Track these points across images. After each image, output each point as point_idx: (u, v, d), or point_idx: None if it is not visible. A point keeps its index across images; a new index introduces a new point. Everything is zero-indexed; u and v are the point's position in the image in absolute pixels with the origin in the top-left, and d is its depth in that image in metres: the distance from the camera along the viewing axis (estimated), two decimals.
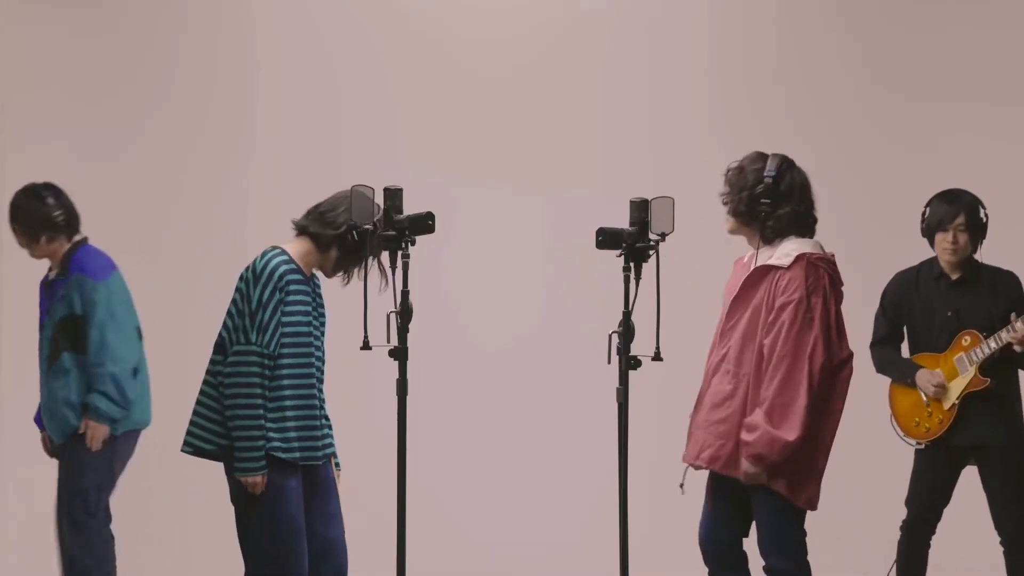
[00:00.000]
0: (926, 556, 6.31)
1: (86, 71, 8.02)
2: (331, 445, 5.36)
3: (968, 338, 6.23)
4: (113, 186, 8.00)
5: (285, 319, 5.18)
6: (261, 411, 5.14)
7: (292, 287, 5.19)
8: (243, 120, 8.02)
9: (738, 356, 5.36)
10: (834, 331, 5.29)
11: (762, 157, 5.40)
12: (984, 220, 6.28)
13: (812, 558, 5.38)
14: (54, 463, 7.14)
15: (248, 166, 7.91)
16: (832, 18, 8.07)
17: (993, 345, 6.15)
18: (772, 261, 5.34)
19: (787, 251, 5.34)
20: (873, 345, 6.43)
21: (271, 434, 5.16)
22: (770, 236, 5.38)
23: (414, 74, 8.03)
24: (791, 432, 5.20)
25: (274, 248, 5.27)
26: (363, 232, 5.16)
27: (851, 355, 5.33)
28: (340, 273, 5.30)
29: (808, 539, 5.40)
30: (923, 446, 6.28)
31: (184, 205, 7.99)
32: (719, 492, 5.44)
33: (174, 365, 7.77)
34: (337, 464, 5.41)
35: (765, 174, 5.35)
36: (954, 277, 6.31)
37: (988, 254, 6.33)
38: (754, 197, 5.34)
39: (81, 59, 8.02)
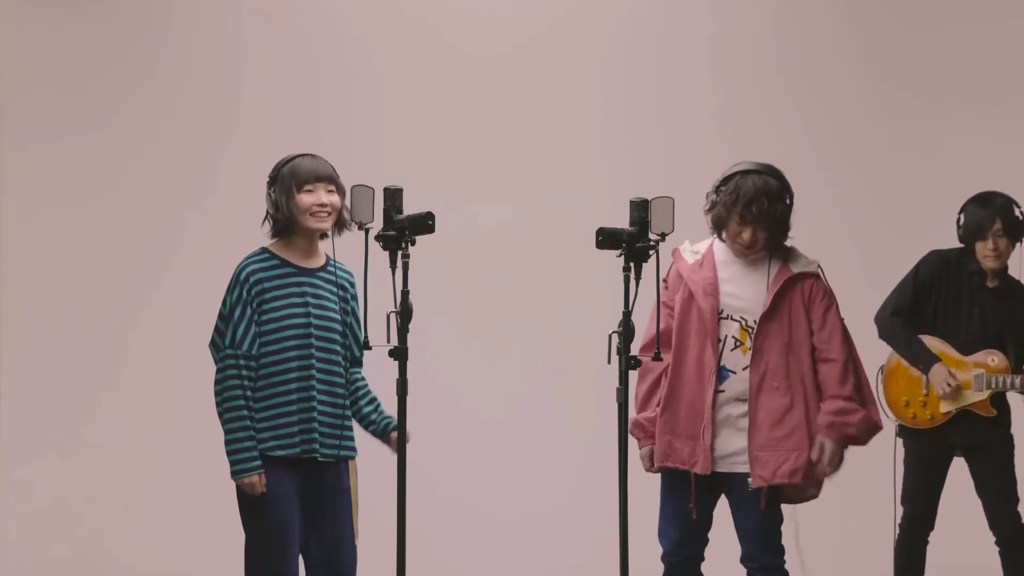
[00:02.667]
0: (925, 553, 6.30)
1: (86, 71, 8.02)
2: (350, 448, 5.29)
3: (995, 359, 6.19)
4: (113, 186, 8.00)
5: (264, 316, 5.17)
6: (244, 411, 5.12)
7: (265, 284, 5.19)
8: (248, 121, 8.02)
9: (785, 369, 5.40)
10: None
11: (772, 169, 5.48)
12: (1021, 219, 6.28)
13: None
14: (54, 463, 7.16)
15: (253, 167, 7.90)
16: (836, 16, 8.07)
17: (1019, 384, 6.13)
18: (804, 269, 5.45)
19: (808, 260, 5.48)
20: (893, 314, 6.33)
21: (264, 434, 5.15)
22: (783, 245, 5.49)
23: (417, 76, 8.03)
24: (878, 416, 5.46)
25: (257, 250, 5.29)
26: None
27: None
28: (326, 226, 5.24)
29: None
30: (897, 425, 6.26)
31: (186, 204, 8.00)
32: (701, 500, 5.47)
33: (171, 367, 7.78)
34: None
35: (790, 193, 5.49)
36: (989, 282, 6.30)
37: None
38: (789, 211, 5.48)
39: (81, 59, 8.02)
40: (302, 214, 5.22)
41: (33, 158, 7.98)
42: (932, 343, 6.26)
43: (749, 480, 5.38)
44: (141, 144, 8.02)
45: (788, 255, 5.49)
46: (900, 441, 6.34)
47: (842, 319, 5.46)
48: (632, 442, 5.37)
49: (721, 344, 5.43)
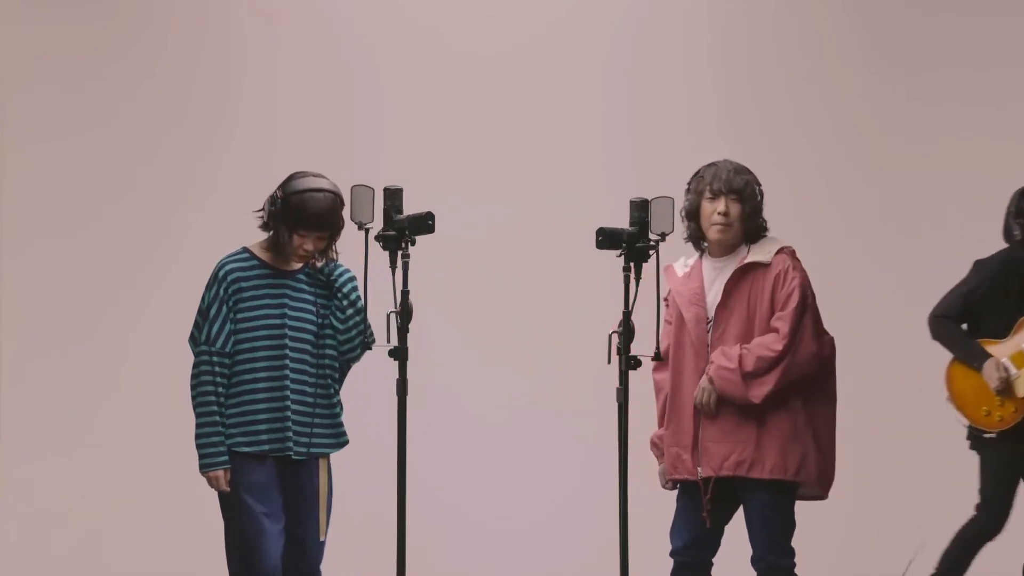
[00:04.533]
0: (977, 553, 6.28)
1: (86, 71, 8.02)
2: (321, 445, 5.34)
3: None
4: (113, 186, 8.00)
5: (239, 315, 5.26)
6: (215, 407, 5.25)
7: (243, 284, 5.27)
8: (248, 121, 8.02)
9: None
10: (818, 316, 5.45)
11: (745, 167, 5.53)
12: None
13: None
14: (54, 463, 7.13)
15: (253, 167, 7.91)
16: (836, 17, 8.05)
17: None
18: (756, 258, 5.42)
19: (767, 249, 5.45)
20: (941, 316, 6.32)
21: (232, 430, 5.24)
22: (755, 240, 5.49)
23: (417, 76, 8.03)
24: (756, 395, 5.33)
25: (238, 249, 5.37)
26: (273, 213, 5.24)
27: (832, 338, 5.47)
28: (308, 260, 5.32)
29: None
30: (995, 435, 6.21)
31: (186, 204, 8.00)
32: (716, 506, 5.47)
33: (171, 367, 7.78)
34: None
35: (760, 184, 5.51)
36: None
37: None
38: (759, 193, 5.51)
39: (81, 59, 8.02)
40: (286, 248, 5.29)
41: (33, 158, 7.98)
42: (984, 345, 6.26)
43: (699, 470, 5.43)
44: (141, 144, 8.02)
45: (756, 248, 5.49)
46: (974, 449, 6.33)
47: (804, 303, 5.41)
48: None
49: (710, 350, 5.45)
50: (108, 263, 7.96)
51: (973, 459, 6.38)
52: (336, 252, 5.36)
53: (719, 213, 5.43)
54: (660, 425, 5.60)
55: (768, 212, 5.56)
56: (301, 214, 5.22)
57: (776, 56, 8.07)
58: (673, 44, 8.07)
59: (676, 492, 5.60)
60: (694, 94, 8.04)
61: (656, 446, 5.61)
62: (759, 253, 5.46)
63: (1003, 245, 6.42)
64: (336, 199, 5.26)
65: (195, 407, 5.29)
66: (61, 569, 7.77)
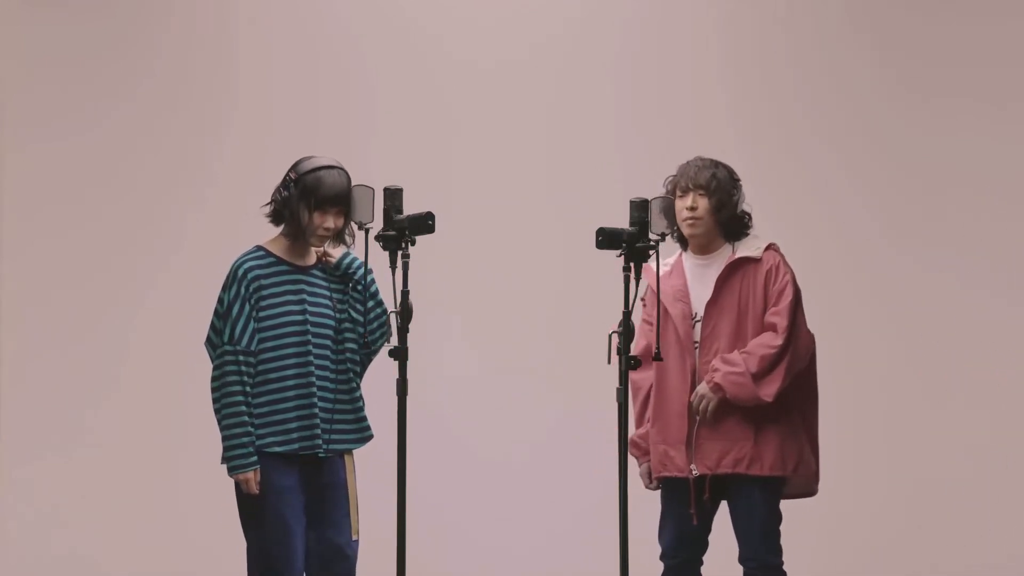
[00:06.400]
0: None
1: (86, 71, 8.02)
2: (344, 441, 5.33)
3: None
4: (112, 185, 8.00)
5: (261, 314, 5.22)
6: (243, 407, 5.17)
7: (263, 281, 5.23)
8: (247, 121, 8.02)
9: None
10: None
11: (715, 161, 5.57)
12: None
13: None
14: (54, 463, 7.11)
15: (251, 167, 7.91)
16: (842, 12, 8.03)
17: None
18: (748, 253, 5.47)
19: (755, 244, 5.50)
20: None
21: (261, 430, 5.19)
22: (737, 236, 5.53)
23: (417, 76, 8.03)
24: (768, 393, 5.35)
25: (252, 248, 5.33)
26: (285, 207, 5.23)
27: (813, 335, 5.52)
28: (327, 240, 5.31)
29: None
30: None
31: (185, 204, 8.00)
32: (701, 505, 5.48)
33: (171, 366, 7.78)
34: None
35: (737, 178, 5.55)
36: None
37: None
38: (737, 201, 5.53)
39: (81, 59, 8.02)
40: (307, 229, 5.26)
41: (33, 158, 7.99)
42: None
43: (692, 467, 5.43)
44: (140, 144, 8.02)
45: (743, 244, 5.53)
46: None
47: (797, 298, 5.45)
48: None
49: (697, 347, 5.47)
50: (108, 263, 7.96)
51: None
52: (353, 235, 5.31)
53: (688, 208, 5.47)
54: (638, 425, 5.59)
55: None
56: (319, 189, 5.20)
57: (783, 54, 8.04)
58: (680, 44, 8.06)
59: (661, 492, 5.60)
60: (701, 94, 8.03)
61: (638, 446, 5.58)
62: (748, 249, 5.50)
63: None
64: (347, 175, 5.26)
65: (220, 408, 5.19)
66: (61, 569, 7.77)
